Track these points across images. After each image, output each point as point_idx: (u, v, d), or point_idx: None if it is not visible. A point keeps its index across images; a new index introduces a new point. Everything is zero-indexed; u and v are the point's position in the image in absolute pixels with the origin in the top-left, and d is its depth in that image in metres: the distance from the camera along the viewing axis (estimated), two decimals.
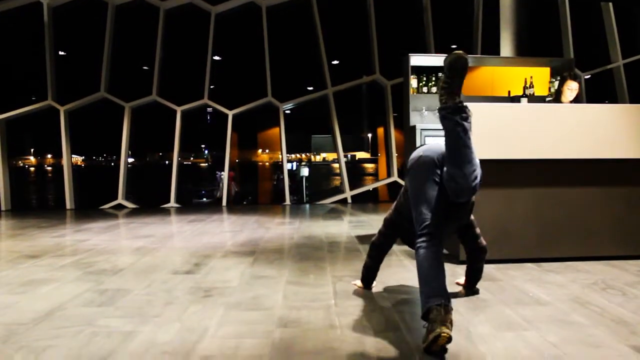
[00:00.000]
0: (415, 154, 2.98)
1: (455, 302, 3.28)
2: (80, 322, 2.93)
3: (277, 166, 12.08)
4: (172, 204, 10.10)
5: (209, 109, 11.06)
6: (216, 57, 10.82)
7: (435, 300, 2.50)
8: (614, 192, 4.47)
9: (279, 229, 6.73)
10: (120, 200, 10.05)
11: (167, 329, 2.80)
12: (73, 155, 10.77)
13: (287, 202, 10.40)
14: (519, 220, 4.45)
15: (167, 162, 10.52)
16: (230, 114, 10.53)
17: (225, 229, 6.78)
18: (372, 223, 7.18)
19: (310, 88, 11.40)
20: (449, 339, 2.40)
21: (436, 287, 2.58)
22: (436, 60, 6.68)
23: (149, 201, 10.35)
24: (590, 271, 4.02)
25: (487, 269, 4.19)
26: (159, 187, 10.56)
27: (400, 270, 4.24)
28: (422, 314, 2.55)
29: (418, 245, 2.75)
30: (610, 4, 11.79)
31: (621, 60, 11.88)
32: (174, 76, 11.13)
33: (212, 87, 10.59)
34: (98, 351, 2.50)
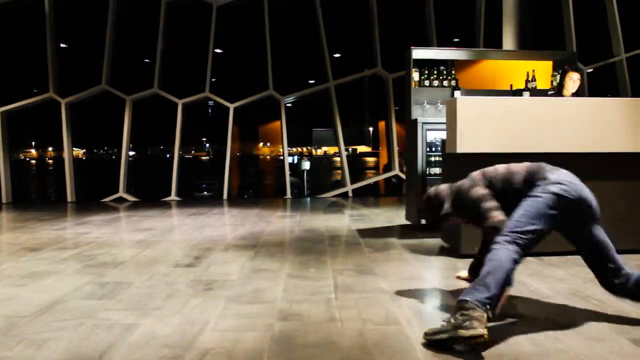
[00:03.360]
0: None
1: (452, 295, 3.28)
2: (81, 315, 2.93)
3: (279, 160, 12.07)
4: (173, 197, 10.10)
5: (210, 102, 11.05)
6: (217, 50, 10.80)
7: (489, 303, 2.48)
8: (615, 186, 4.46)
9: (279, 222, 6.73)
10: (121, 193, 10.05)
11: (167, 322, 2.80)
12: (74, 148, 10.77)
13: (288, 195, 10.40)
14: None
15: (168, 155, 10.51)
16: (232, 107, 10.52)
17: (226, 223, 6.79)
18: (373, 217, 7.18)
19: (312, 81, 11.38)
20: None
21: (499, 294, 2.55)
22: (438, 53, 6.65)
23: (150, 194, 10.36)
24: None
25: None
26: (160, 180, 10.56)
27: (401, 264, 4.24)
28: (462, 303, 2.48)
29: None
30: None
31: (624, 54, 11.83)
32: (176, 69, 11.11)
33: (213, 80, 10.57)
34: (98, 344, 2.51)
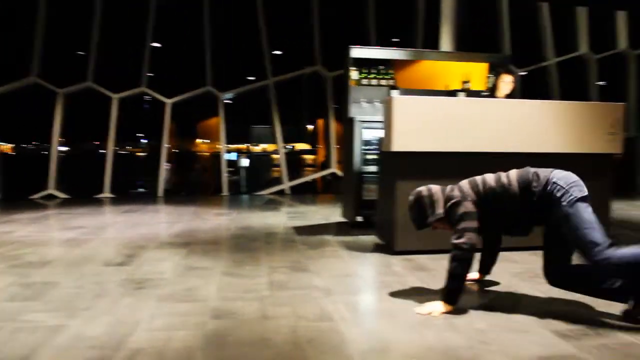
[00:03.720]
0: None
1: (388, 292, 3.34)
2: (2, 318, 2.81)
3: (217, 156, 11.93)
4: (107, 194, 9.83)
5: (147, 97, 10.81)
6: (155, 44, 10.58)
7: None
8: None
9: (216, 219, 6.66)
10: (51, 190, 9.69)
11: (96, 323, 2.73)
12: (1, 143, 10.32)
13: (226, 192, 10.30)
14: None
15: (102, 151, 10.21)
16: (169, 102, 10.33)
17: (161, 220, 6.67)
18: (310, 214, 7.21)
19: (251, 78, 11.31)
20: None
21: None
22: (377, 53, 6.72)
23: (82, 191, 10.02)
24: (519, 261, 4.15)
25: (422, 259, 4.29)
26: (93, 177, 10.24)
27: (336, 261, 4.27)
28: None
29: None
30: (546, 3, 12.20)
31: (554, 59, 12.33)
32: (111, 62, 10.79)
33: (150, 74, 10.35)
34: (21, 347, 2.41)
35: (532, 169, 3.04)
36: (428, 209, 3.12)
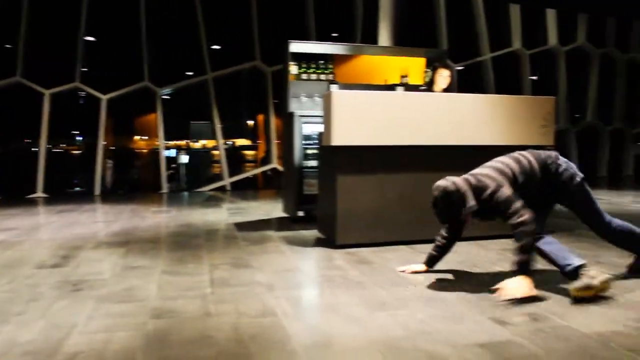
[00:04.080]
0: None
1: (330, 286, 3.36)
2: None
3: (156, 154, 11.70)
4: (40, 193, 9.49)
5: (82, 93, 10.49)
6: (89, 38, 10.26)
7: None
8: None
9: (155, 217, 6.54)
10: None
11: (30, 328, 2.63)
12: None
13: (165, 190, 10.12)
14: (392, 205, 4.62)
15: (35, 149, 9.84)
16: (105, 98, 10.05)
17: (98, 219, 6.49)
18: (251, 210, 7.18)
19: (190, 73, 11.14)
20: None
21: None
22: (316, 47, 6.74)
23: (13, 191, 9.65)
24: (459, 251, 4.24)
25: (363, 252, 4.33)
26: (24, 176, 9.86)
27: (278, 256, 4.27)
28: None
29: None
30: (481, 0, 12.53)
31: (489, 54, 12.68)
32: (42, 57, 10.39)
33: (84, 69, 10.04)
34: None
35: (538, 151, 3.40)
36: (457, 202, 3.14)
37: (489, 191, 3.13)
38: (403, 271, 3.67)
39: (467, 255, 4.16)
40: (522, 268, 3.02)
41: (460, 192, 3.14)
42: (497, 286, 3.06)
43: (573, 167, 3.34)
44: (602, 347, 2.35)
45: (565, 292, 3.10)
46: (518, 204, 3.08)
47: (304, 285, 3.58)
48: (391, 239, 4.61)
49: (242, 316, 2.77)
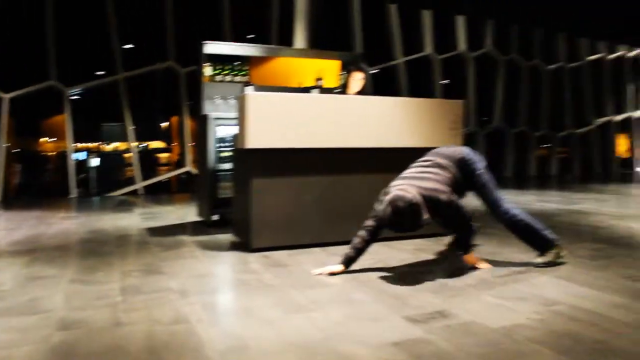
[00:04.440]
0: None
1: (246, 290, 3.34)
2: None
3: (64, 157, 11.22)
4: None
5: None
6: None
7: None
8: (393, 178, 4.86)
9: (63, 224, 6.26)
10: None
11: None
12: None
13: (74, 194, 9.72)
14: (307, 207, 4.64)
15: None
16: (7, 97, 9.53)
17: None
18: (164, 215, 7.02)
19: (101, 73, 10.76)
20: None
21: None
22: (231, 49, 6.66)
23: None
24: (372, 252, 4.31)
25: (278, 255, 4.33)
26: None
27: (192, 262, 4.19)
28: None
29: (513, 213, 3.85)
30: (394, 6, 12.85)
31: (402, 58, 13.01)
32: None
33: None
34: None
35: (452, 149, 3.98)
36: (416, 215, 3.41)
37: (444, 201, 3.57)
38: (320, 274, 3.69)
39: (379, 256, 4.23)
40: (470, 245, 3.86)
41: (420, 204, 3.43)
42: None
43: (480, 158, 3.96)
44: (508, 340, 2.46)
45: (473, 289, 3.23)
46: (463, 207, 3.70)
47: (219, 290, 3.54)
48: (305, 242, 4.62)
49: (155, 324, 2.70)
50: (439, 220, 3.75)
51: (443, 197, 3.56)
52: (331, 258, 4.12)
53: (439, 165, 3.78)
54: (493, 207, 3.88)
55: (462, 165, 3.84)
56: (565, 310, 2.87)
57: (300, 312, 2.89)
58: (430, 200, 3.50)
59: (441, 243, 4.73)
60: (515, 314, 2.82)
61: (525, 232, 3.87)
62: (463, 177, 3.83)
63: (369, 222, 3.72)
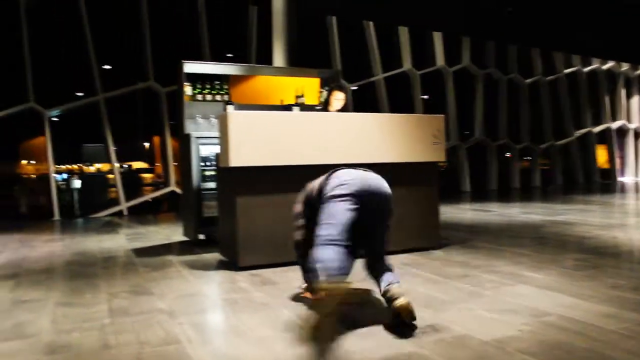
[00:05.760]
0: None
1: (234, 309, 3.33)
2: None
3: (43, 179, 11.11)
4: None
5: None
6: None
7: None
8: None
9: (46, 246, 6.19)
10: None
11: None
12: None
13: (57, 217, 9.62)
14: (291, 224, 4.64)
15: None
16: None
17: None
18: (150, 235, 6.97)
19: (80, 94, 10.70)
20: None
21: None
22: (211, 68, 6.69)
23: None
24: (358, 267, 4.34)
25: (267, 273, 4.33)
26: None
27: (180, 282, 4.17)
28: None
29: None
30: (371, 23, 12.99)
31: (381, 74, 13.13)
32: None
33: None
34: None
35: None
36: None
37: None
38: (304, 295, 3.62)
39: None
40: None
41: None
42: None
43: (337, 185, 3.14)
44: (501, 352, 2.48)
45: (463, 302, 3.25)
46: (299, 221, 3.57)
47: (208, 309, 3.51)
48: (293, 259, 4.60)
49: (144, 346, 2.68)
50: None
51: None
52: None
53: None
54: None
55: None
56: (555, 321, 2.90)
57: (291, 330, 2.88)
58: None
59: (430, 257, 4.76)
60: (506, 326, 2.84)
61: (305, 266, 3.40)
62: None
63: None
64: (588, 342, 2.58)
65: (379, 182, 3.20)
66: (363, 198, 3.07)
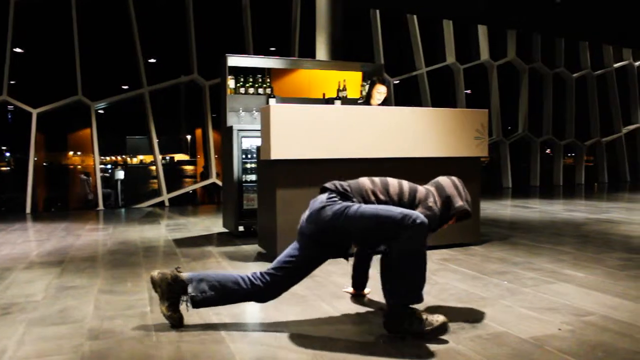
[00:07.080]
0: None
1: (274, 300, 3.33)
2: None
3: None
4: None
5: (10, 107, 10.09)
6: (17, 50, 9.90)
7: None
8: None
9: (90, 235, 6.34)
10: None
11: None
12: None
13: (101, 207, 9.84)
14: None
15: None
16: (35, 112, 9.70)
17: (30, 238, 6.24)
18: (190, 226, 7.06)
19: (125, 87, 10.91)
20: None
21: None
22: (254, 61, 6.73)
23: None
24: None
25: None
26: None
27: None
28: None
29: None
30: (415, 16, 12.86)
31: (424, 68, 13.00)
32: None
33: (12, 82, 9.66)
34: None
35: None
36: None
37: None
38: (347, 291, 3.58)
39: None
40: None
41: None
42: None
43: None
44: (539, 351, 2.43)
45: (502, 299, 3.19)
46: None
47: None
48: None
49: (184, 334, 2.72)
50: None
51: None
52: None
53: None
54: None
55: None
56: (597, 321, 2.82)
57: (328, 323, 2.88)
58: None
59: (470, 253, 4.69)
60: (546, 324, 2.78)
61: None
62: None
63: None
64: (631, 344, 2.50)
65: (312, 207, 3.09)
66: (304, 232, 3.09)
